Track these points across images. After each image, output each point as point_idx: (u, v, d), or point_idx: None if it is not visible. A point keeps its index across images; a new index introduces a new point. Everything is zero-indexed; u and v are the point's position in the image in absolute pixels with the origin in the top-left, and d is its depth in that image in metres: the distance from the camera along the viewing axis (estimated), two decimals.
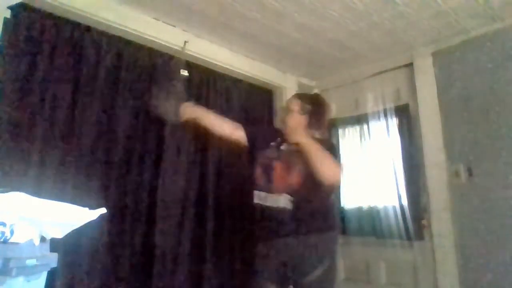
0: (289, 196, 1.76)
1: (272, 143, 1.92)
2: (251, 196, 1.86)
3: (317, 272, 1.74)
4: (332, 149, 1.92)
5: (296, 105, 1.93)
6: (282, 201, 1.77)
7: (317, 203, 1.80)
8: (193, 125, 2.01)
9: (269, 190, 1.81)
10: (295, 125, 1.90)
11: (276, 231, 1.78)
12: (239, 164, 2.45)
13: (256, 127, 2.21)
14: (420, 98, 2.62)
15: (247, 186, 1.97)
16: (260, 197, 1.83)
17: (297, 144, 1.85)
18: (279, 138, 1.93)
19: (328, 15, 2.22)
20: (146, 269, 2.09)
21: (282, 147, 1.90)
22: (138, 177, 2.15)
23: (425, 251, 2.47)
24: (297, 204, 1.76)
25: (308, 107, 1.91)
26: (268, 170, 1.85)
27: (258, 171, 1.86)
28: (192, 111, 1.96)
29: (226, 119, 1.99)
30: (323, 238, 1.82)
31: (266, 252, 1.82)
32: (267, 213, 1.80)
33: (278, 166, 1.84)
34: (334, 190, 1.96)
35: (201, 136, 2.26)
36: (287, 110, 1.96)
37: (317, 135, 1.97)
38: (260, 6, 2.13)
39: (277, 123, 1.98)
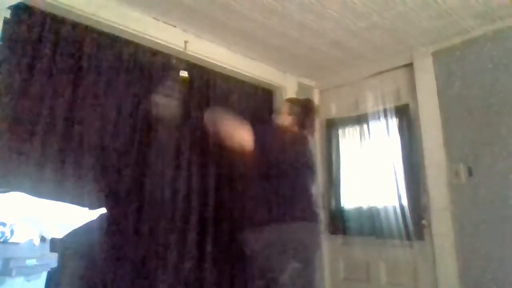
0: None
1: None
2: None
3: (290, 270, 1.70)
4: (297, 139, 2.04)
5: (285, 107, 2.17)
6: None
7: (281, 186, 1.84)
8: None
9: None
10: (285, 124, 2.10)
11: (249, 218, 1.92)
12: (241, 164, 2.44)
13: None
14: (420, 98, 2.62)
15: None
16: None
17: None
18: None
19: (328, 15, 2.22)
20: (146, 269, 2.09)
21: None
22: (138, 177, 2.15)
23: (425, 251, 2.47)
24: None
25: (296, 109, 2.12)
26: None
27: None
28: None
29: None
30: (295, 228, 1.80)
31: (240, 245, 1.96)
32: None
33: None
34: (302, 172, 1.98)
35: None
36: (279, 112, 2.22)
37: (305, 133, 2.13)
38: (260, 6, 2.13)
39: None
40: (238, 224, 2.35)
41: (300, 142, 2.03)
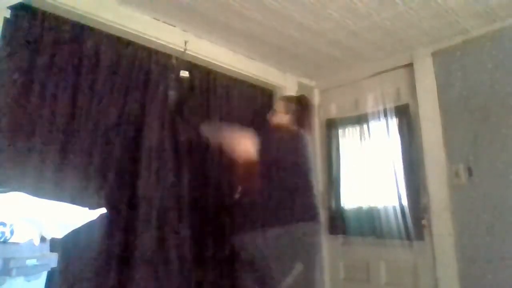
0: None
1: None
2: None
3: (292, 273, 1.67)
4: (290, 134, 1.96)
5: (280, 106, 2.12)
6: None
7: (278, 190, 1.80)
8: None
9: None
10: (282, 124, 2.04)
11: (244, 223, 1.89)
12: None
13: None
14: (420, 98, 2.62)
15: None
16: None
17: None
18: None
19: (328, 15, 2.22)
20: (146, 269, 2.09)
21: None
22: (138, 177, 2.15)
23: (425, 251, 2.47)
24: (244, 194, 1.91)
25: (292, 106, 2.08)
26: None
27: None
28: None
29: None
30: (296, 230, 1.75)
31: (238, 249, 1.92)
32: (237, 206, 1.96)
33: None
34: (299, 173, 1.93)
35: None
36: (274, 111, 2.15)
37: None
38: (260, 6, 2.13)
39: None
40: (236, 227, 2.34)
41: (298, 141, 1.95)
